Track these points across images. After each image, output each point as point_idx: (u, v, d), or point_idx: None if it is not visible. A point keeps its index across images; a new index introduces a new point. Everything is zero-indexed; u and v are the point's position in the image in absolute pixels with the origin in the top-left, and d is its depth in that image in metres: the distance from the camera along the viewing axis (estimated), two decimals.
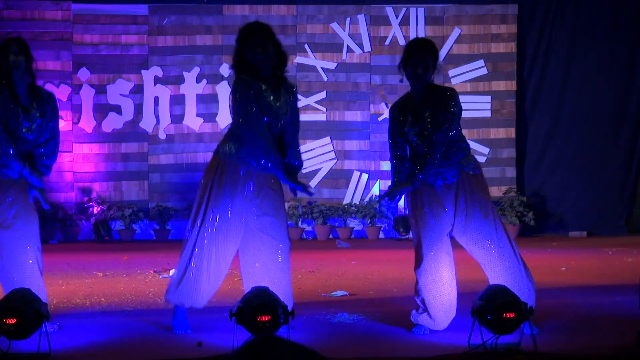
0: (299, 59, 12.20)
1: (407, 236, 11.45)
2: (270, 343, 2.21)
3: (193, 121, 12.27)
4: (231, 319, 5.14)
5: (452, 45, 12.27)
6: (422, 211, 5.60)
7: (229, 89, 10.19)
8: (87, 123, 12.12)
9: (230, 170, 5.61)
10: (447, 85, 10.00)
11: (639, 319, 5.74)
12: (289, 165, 5.69)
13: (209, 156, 12.45)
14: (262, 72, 5.56)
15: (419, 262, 5.63)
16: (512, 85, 12.34)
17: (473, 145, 12.10)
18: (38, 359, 5.09)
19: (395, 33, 12.30)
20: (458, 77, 12.29)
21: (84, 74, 12.10)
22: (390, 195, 5.58)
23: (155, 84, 12.23)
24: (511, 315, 5.06)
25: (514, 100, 12.35)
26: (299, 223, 12.08)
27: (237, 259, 5.74)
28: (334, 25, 12.34)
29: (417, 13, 12.33)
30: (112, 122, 12.17)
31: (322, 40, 12.35)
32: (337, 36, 12.35)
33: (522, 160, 12.45)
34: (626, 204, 12.35)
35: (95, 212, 11.84)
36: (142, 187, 12.21)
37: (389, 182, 6.40)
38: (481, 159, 12.17)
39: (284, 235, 5.68)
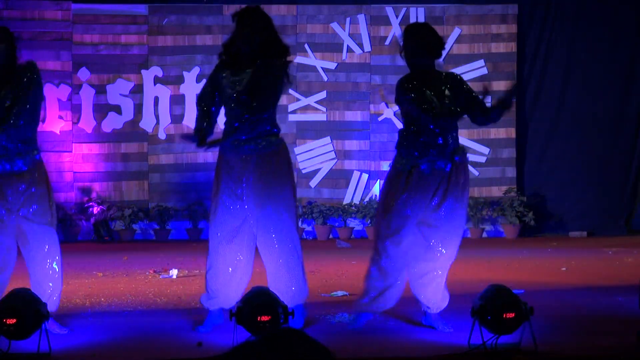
0: (299, 59, 12.19)
1: None
2: (291, 336, 2.24)
3: (193, 121, 12.22)
4: (231, 319, 5.15)
5: (452, 45, 12.26)
6: (400, 196, 5.65)
7: None
8: (87, 123, 12.11)
9: (222, 163, 5.91)
10: None
11: (639, 319, 5.74)
12: None
13: (209, 156, 12.44)
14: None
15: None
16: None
17: (473, 145, 12.10)
18: (38, 359, 5.09)
19: (396, 33, 12.28)
20: None
21: (83, 74, 12.10)
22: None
23: (155, 84, 12.22)
24: (511, 315, 5.07)
25: (514, 100, 12.31)
26: (299, 223, 12.08)
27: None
28: (334, 25, 12.33)
29: (417, 13, 12.32)
30: (112, 122, 12.16)
31: (322, 40, 12.34)
32: (337, 36, 12.34)
33: (522, 160, 12.43)
34: (626, 204, 12.34)
35: (95, 212, 11.83)
36: (142, 187, 12.20)
37: None
38: (481, 159, 12.17)
39: (277, 218, 5.89)
